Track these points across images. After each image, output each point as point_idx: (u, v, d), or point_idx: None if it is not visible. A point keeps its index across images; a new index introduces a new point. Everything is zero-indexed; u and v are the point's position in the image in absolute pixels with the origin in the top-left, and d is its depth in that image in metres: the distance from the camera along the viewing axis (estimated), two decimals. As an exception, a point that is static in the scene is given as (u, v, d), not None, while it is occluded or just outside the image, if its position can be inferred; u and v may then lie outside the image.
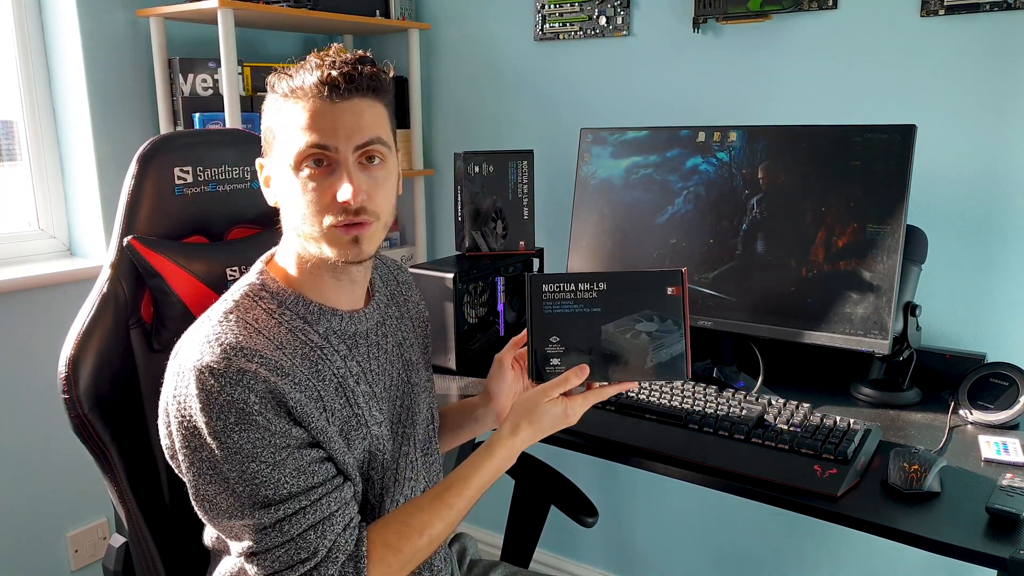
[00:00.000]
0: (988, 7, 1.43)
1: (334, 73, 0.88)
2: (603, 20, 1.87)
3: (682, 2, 1.75)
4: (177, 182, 1.13)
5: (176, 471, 0.92)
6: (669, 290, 1.07)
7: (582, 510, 1.42)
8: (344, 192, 0.88)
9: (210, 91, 1.89)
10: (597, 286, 1.08)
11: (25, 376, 1.79)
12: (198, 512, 0.89)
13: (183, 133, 1.24)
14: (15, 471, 1.80)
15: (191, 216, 1.15)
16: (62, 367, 1.01)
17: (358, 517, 0.92)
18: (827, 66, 1.62)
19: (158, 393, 0.97)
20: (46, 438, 1.82)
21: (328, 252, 0.91)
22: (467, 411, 1.22)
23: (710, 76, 1.76)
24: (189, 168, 1.13)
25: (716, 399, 1.26)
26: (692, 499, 1.99)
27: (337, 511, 0.89)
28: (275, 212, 0.98)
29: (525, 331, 1.10)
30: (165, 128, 1.88)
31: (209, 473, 0.86)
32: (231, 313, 0.91)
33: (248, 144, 1.22)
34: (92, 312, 1.05)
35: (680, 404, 1.26)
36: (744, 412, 1.21)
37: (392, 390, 1.04)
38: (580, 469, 2.05)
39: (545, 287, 1.08)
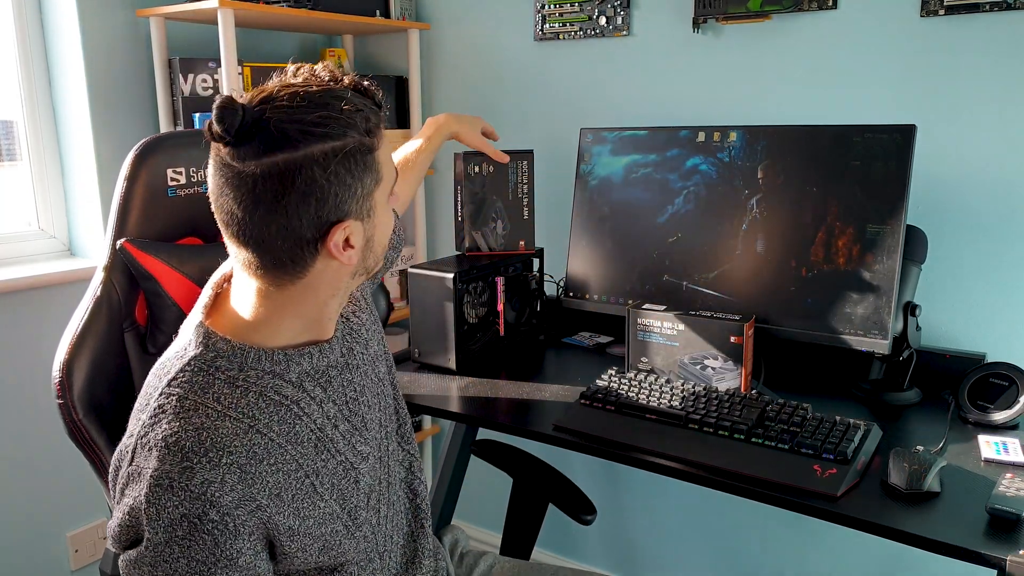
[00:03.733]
0: (988, 7, 1.43)
1: (372, 89, 0.84)
2: (603, 20, 1.87)
3: (682, 2, 1.75)
4: (170, 183, 1.12)
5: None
6: (732, 338, 1.31)
7: (580, 508, 1.42)
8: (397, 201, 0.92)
9: (210, 91, 1.89)
10: (677, 325, 1.36)
11: (25, 376, 1.79)
12: None
13: (175, 134, 1.23)
14: (15, 471, 1.80)
15: (184, 217, 1.14)
16: (56, 371, 1.01)
17: None
18: (827, 66, 1.61)
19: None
20: (46, 438, 1.82)
21: (384, 269, 0.94)
22: (436, 147, 1.50)
23: (710, 76, 1.76)
24: (182, 169, 1.13)
25: (716, 399, 1.26)
26: (692, 499, 1.99)
27: None
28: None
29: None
30: (165, 128, 1.88)
31: (132, 568, 0.79)
32: (186, 399, 0.80)
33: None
34: (86, 316, 1.04)
35: (680, 404, 1.26)
36: (744, 412, 1.21)
37: (373, 401, 1.00)
38: (580, 468, 2.05)
39: (639, 320, 1.39)
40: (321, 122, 0.77)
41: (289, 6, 1.84)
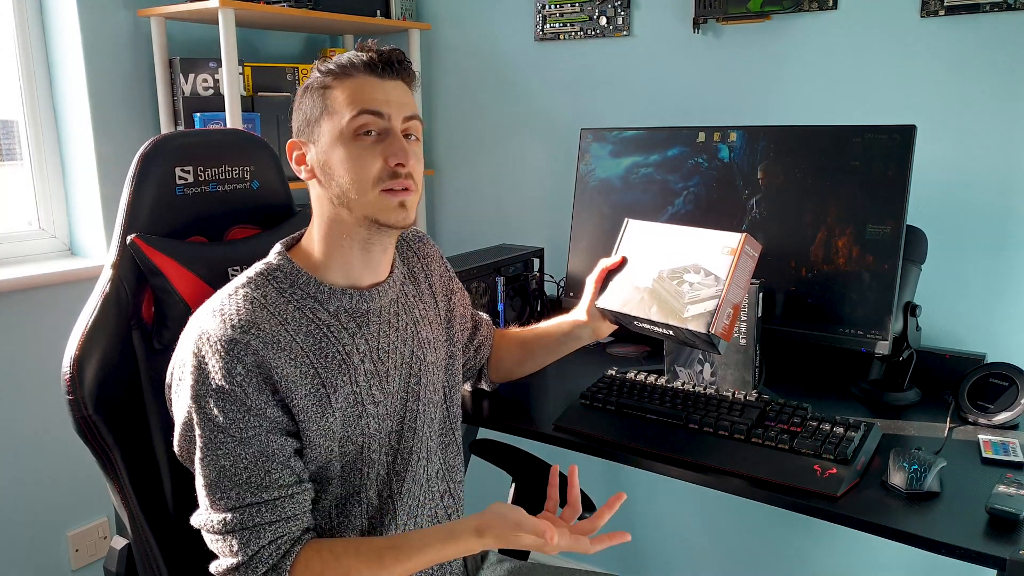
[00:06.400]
0: (988, 7, 1.43)
1: (384, 53, 0.99)
2: (603, 20, 1.87)
3: (682, 2, 1.75)
4: (178, 182, 1.13)
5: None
6: (725, 250, 1.16)
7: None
8: (400, 154, 0.97)
9: (211, 91, 1.89)
10: (669, 239, 1.22)
11: (25, 376, 1.79)
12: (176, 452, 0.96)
13: (184, 133, 1.24)
14: (15, 470, 1.80)
15: (192, 216, 1.15)
16: (66, 368, 1.01)
17: (299, 532, 0.94)
18: (827, 66, 1.62)
19: (160, 394, 0.98)
20: (47, 438, 1.82)
21: (376, 216, 0.98)
22: (566, 331, 1.31)
23: (710, 76, 1.76)
24: (190, 168, 1.13)
25: (716, 399, 1.26)
26: (692, 499, 1.99)
27: (282, 519, 0.92)
28: (279, 210, 1.01)
29: (611, 258, 1.28)
30: (166, 128, 1.89)
31: (185, 432, 0.93)
32: (242, 288, 0.97)
33: (248, 144, 1.22)
34: (95, 312, 1.04)
35: (680, 404, 1.26)
36: (744, 412, 1.21)
37: (403, 368, 1.06)
38: (580, 469, 2.05)
39: (630, 229, 1.28)
40: (317, 68, 1.01)
41: (289, 6, 1.84)
